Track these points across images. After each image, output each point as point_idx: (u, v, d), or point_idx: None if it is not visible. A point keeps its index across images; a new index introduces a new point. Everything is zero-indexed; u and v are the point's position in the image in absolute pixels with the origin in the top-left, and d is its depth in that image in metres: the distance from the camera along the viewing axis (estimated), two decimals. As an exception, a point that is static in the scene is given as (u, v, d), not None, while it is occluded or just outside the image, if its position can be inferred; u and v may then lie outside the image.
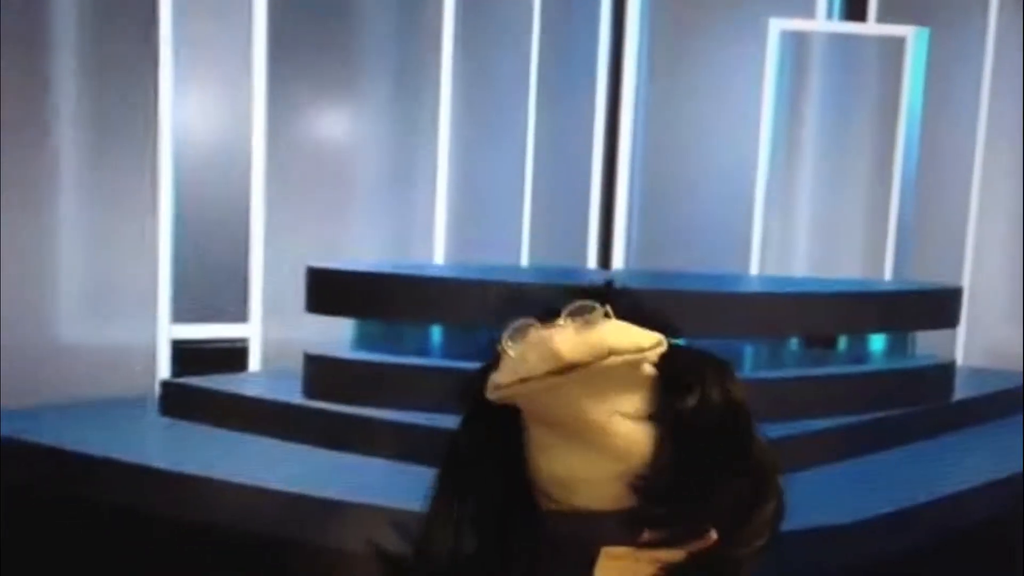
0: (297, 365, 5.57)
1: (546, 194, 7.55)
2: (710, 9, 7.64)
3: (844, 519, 4.38)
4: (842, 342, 6.39)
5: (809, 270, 7.57)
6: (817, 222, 7.70)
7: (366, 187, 6.98)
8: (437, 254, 7.14)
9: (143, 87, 6.21)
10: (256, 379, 6.39)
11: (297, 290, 5.77)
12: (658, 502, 1.32)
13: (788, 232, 7.69)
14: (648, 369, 1.33)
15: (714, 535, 1.36)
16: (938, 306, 6.55)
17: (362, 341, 5.76)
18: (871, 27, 7.78)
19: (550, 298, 1.38)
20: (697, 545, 1.36)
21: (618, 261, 7.83)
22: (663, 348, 1.35)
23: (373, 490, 4.45)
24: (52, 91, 6.06)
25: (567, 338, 1.30)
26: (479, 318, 5.22)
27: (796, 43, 7.54)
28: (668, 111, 7.70)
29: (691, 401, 1.34)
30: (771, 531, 1.40)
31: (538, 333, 1.32)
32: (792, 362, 6.08)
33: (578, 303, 1.35)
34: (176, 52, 6.27)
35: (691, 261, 7.24)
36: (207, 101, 6.75)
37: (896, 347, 6.40)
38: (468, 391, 1.40)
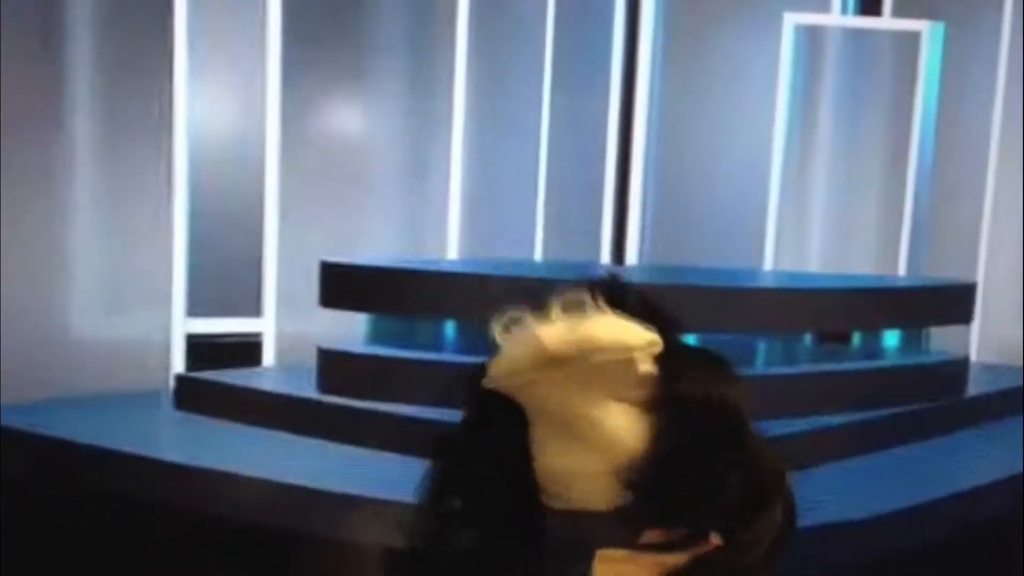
0: (311, 359, 5.58)
1: (560, 189, 7.55)
2: (725, 3, 7.62)
3: (858, 515, 4.38)
4: (856, 338, 6.38)
5: (823, 265, 7.56)
6: (831, 217, 7.68)
7: (380, 182, 6.98)
8: (450, 249, 7.14)
9: (158, 81, 6.22)
10: (270, 373, 6.40)
11: (311, 285, 5.78)
12: (650, 498, 1.32)
13: (802, 227, 7.67)
14: (645, 367, 1.32)
15: (715, 539, 1.35)
16: (952, 302, 6.54)
17: (375, 336, 5.77)
18: (886, 21, 7.76)
19: (553, 291, 1.38)
20: (698, 549, 1.35)
21: (632, 256, 7.82)
22: (657, 348, 1.34)
23: (386, 484, 4.45)
24: (67, 84, 6.07)
25: (554, 332, 1.30)
26: (492, 313, 5.22)
27: (811, 37, 7.52)
28: (682, 105, 7.68)
29: (684, 397, 1.33)
30: (779, 536, 1.39)
31: (529, 326, 1.32)
32: (806, 357, 6.07)
33: (569, 297, 1.35)
34: (191, 46, 6.28)
35: (705, 256, 7.23)
36: (221, 95, 6.75)
37: (910, 343, 6.39)
38: (471, 384, 1.40)
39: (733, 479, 1.34)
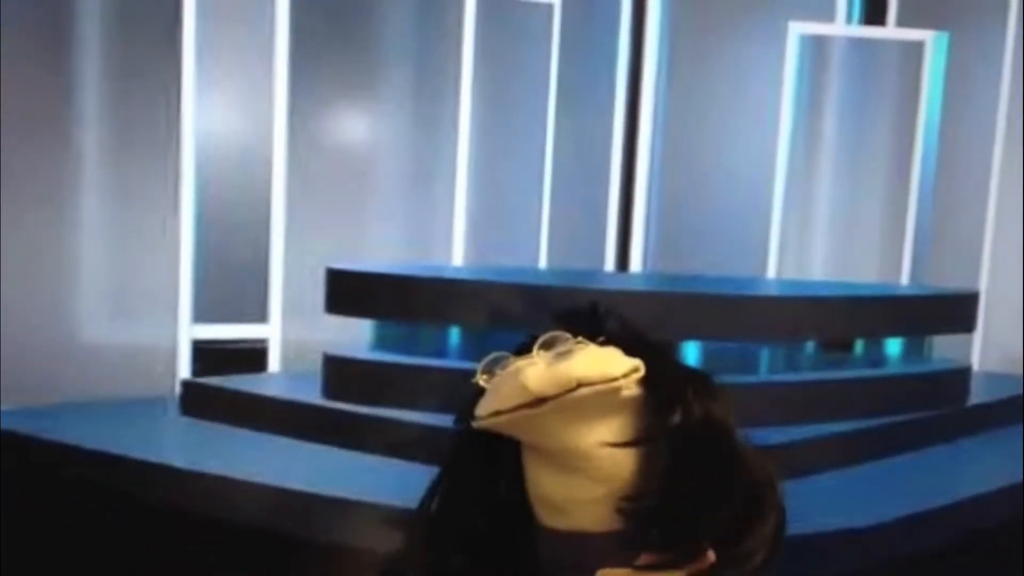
0: (316, 366, 5.60)
1: (565, 196, 7.56)
2: (729, 13, 7.64)
3: (860, 523, 4.39)
4: (858, 346, 6.39)
5: (826, 274, 7.57)
6: (834, 226, 7.69)
7: (386, 189, 7.00)
8: (456, 256, 7.15)
9: (166, 88, 6.25)
10: (275, 379, 6.42)
11: (316, 291, 5.80)
12: (648, 524, 1.33)
13: (806, 235, 7.69)
14: (629, 392, 1.34)
15: (712, 555, 1.37)
16: (955, 311, 6.55)
17: (381, 342, 5.78)
18: (890, 31, 7.78)
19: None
20: (695, 566, 1.37)
21: (636, 263, 7.84)
22: (640, 374, 1.35)
23: (391, 490, 4.46)
24: (76, 92, 6.09)
25: (536, 372, 1.32)
26: (497, 319, 5.25)
27: (815, 47, 7.54)
28: (687, 114, 7.70)
29: (673, 421, 1.35)
30: (772, 548, 1.41)
31: (511, 366, 1.34)
32: (808, 365, 6.08)
33: (548, 335, 1.37)
34: (199, 53, 6.31)
35: (708, 264, 7.24)
36: (229, 102, 6.77)
37: (912, 351, 6.40)
38: (461, 413, 1.42)
39: (729, 495, 1.36)
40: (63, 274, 6.12)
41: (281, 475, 4.70)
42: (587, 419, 1.33)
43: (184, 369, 6.35)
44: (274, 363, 6.69)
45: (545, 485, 1.38)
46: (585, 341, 1.37)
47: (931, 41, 7.42)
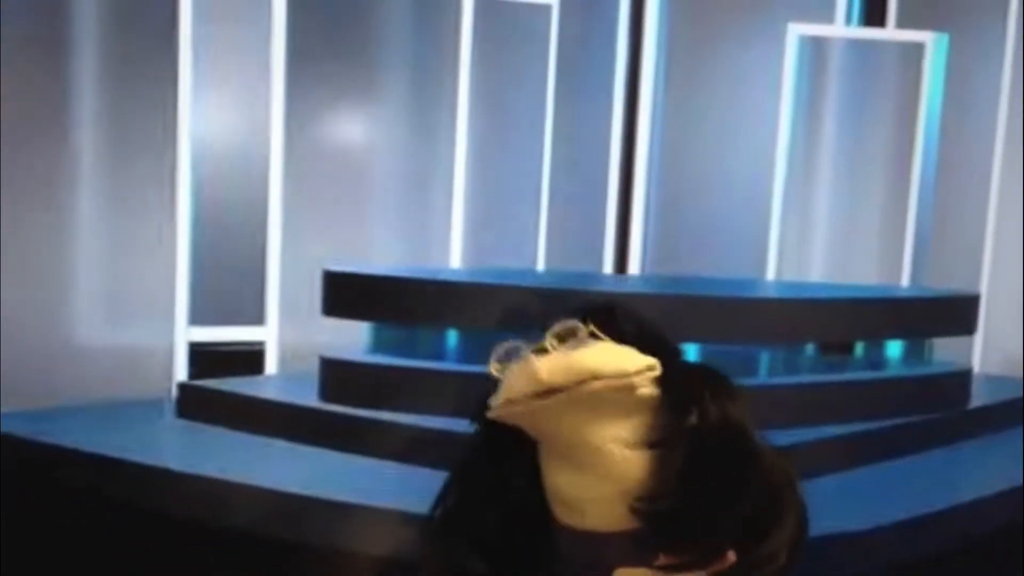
0: (313, 368, 5.58)
1: (563, 199, 7.55)
2: (728, 14, 7.63)
3: (860, 526, 4.37)
4: (858, 348, 6.38)
5: (826, 276, 7.55)
6: (834, 228, 7.68)
7: (383, 191, 6.99)
8: (453, 258, 7.14)
9: (162, 90, 6.23)
10: (272, 382, 6.40)
11: (313, 293, 5.78)
12: (663, 523, 1.32)
13: (805, 238, 7.67)
14: (646, 391, 1.32)
15: (732, 556, 1.35)
16: (955, 313, 6.53)
17: (378, 345, 5.77)
18: (890, 32, 7.77)
19: (556, 309, 1.38)
20: (715, 567, 1.35)
21: (634, 266, 7.82)
22: (655, 372, 1.33)
23: (388, 493, 4.45)
24: (71, 94, 6.08)
25: (549, 362, 1.30)
26: (495, 322, 5.23)
27: (814, 48, 7.53)
28: (685, 116, 7.69)
29: (689, 422, 1.33)
30: (793, 549, 1.39)
31: (525, 356, 1.33)
32: (808, 368, 6.07)
33: (562, 325, 1.35)
34: (195, 55, 6.29)
35: (708, 266, 7.23)
36: (226, 105, 6.76)
37: (913, 354, 6.38)
38: (478, 405, 1.40)
39: (746, 497, 1.34)
40: (59, 276, 6.11)
41: (278, 478, 4.69)
42: (601, 415, 1.31)
43: (181, 372, 6.34)
44: (271, 366, 6.68)
45: (560, 483, 1.36)
46: (600, 335, 1.36)
47: (931, 42, 7.40)
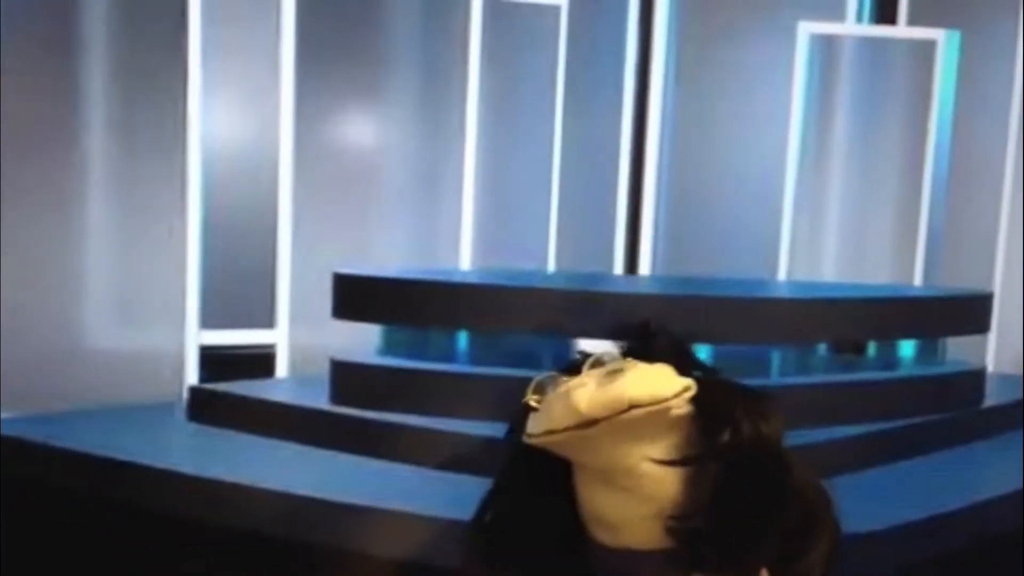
0: (324, 371, 5.57)
1: (573, 199, 7.54)
2: (738, 12, 7.61)
3: (875, 526, 4.35)
4: (871, 348, 6.35)
5: (838, 275, 7.53)
6: (846, 227, 7.65)
7: (393, 193, 6.99)
8: (463, 259, 7.13)
9: (172, 93, 6.24)
10: (283, 385, 6.40)
11: (324, 296, 5.77)
12: (697, 543, 1.30)
13: (817, 237, 7.65)
14: (680, 411, 1.31)
15: (766, 575, 1.34)
16: (968, 312, 6.50)
17: (389, 347, 5.76)
18: (901, 30, 7.74)
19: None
20: None
21: (645, 267, 7.81)
22: (690, 393, 1.33)
23: (400, 496, 4.44)
24: (81, 97, 6.08)
25: (587, 394, 1.30)
26: (506, 323, 5.22)
27: (825, 46, 7.51)
28: (696, 115, 7.67)
29: (722, 441, 1.32)
30: (827, 566, 1.38)
31: (562, 386, 1.32)
32: (821, 368, 6.04)
33: (597, 355, 1.35)
34: (205, 58, 6.29)
35: (719, 266, 7.21)
36: (235, 107, 6.77)
37: (926, 353, 6.35)
38: (512, 431, 1.40)
39: (779, 516, 1.33)
40: (69, 280, 6.11)
41: (289, 481, 4.68)
42: (637, 438, 1.32)
43: (192, 375, 6.34)
44: (282, 368, 6.68)
45: (596, 502, 1.36)
46: (635, 361, 1.35)
47: (943, 40, 7.37)
